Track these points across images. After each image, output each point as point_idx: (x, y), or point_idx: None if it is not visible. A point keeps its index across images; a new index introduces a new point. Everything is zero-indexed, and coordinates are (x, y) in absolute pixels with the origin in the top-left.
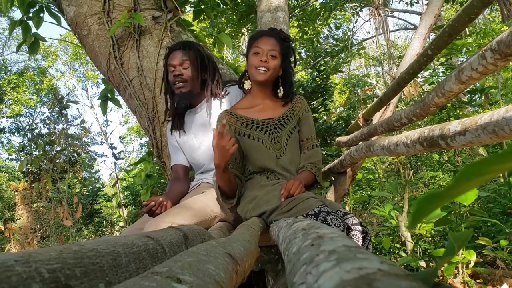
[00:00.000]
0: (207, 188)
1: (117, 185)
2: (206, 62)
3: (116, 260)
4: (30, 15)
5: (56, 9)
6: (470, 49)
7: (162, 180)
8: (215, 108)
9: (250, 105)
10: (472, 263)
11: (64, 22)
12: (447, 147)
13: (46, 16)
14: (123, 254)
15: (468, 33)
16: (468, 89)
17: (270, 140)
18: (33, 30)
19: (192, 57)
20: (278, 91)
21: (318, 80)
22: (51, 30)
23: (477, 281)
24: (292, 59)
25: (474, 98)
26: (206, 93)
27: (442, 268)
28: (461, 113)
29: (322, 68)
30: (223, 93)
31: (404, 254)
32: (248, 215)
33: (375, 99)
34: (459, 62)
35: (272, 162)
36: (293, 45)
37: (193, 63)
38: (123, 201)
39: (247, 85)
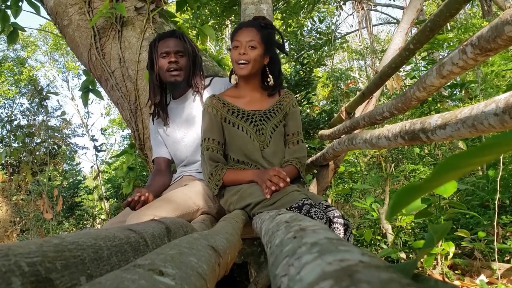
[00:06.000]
0: (190, 180)
1: (98, 177)
2: (196, 54)
3: (97, 253)
4: (8, 3)
5: None
6: (451, 44)
7: (144, 173)
8: (199, 101)
9: (238, 95)
10: (451, 255)
11: (43, 12)
12: (427, 140)
13: (25, 5)
14: (104, 247)
15: (449, 28)
16: (448, 83)
17: (255, 131)
18: (12, 19)
19: (186, 47)
20: (268, 80)
21: (302, 73)
22: (30, 19)
23: (456, 272)
24: (280, 45)
25: (454, 92)
26: (195, 85)
27: (422, 260)
28: (441, 107)
29: (305, 61)
30: (207, 83)
31: (385, 246)
32: (232, 207)
33: (358, 93)
34: (441, 57)
35: (256, 153)
36: (277, 31)
37: (187, 53)
38: (104, 193)
39: (233, 79)
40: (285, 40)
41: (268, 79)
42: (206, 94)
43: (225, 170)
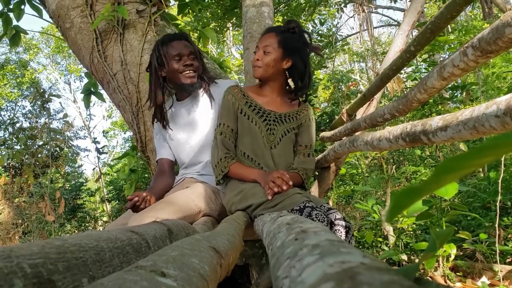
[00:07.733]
0: (192, 183)
1: (100, 179)
2: (202, 56)
3: (99, 254)
4: (11, 7)
5: (37, 1)
6: (452, 46)
7: (146, 175)
8: (204, 103)
9: (260, 93)
10: (453, 256)
11: (46, 15)
12: (429, 142)
13: (27, 8)
14: (106, 248)
15: (450, 30)
16: (449, 85)
17: (266, 129)
18: (14, 22)
19: (196, 49)
20: (288, 82)
21: None
22: (32, 22)
23: (457, 274)
24: (314, 48)
25: (455, 94)
26: (206, 85)
27: (423, 261)
28: (442, 109)
29: None
30: (212, 85)
31: (386, 248)
32: (234, 207)
33: (359, 95)
34: (441, 59)
35: (265, 150)
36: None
37: (197, 55)
38: (106, 196)
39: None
40: None
41: (288, 81)
42: (214, 96)
43: (234, 161)
